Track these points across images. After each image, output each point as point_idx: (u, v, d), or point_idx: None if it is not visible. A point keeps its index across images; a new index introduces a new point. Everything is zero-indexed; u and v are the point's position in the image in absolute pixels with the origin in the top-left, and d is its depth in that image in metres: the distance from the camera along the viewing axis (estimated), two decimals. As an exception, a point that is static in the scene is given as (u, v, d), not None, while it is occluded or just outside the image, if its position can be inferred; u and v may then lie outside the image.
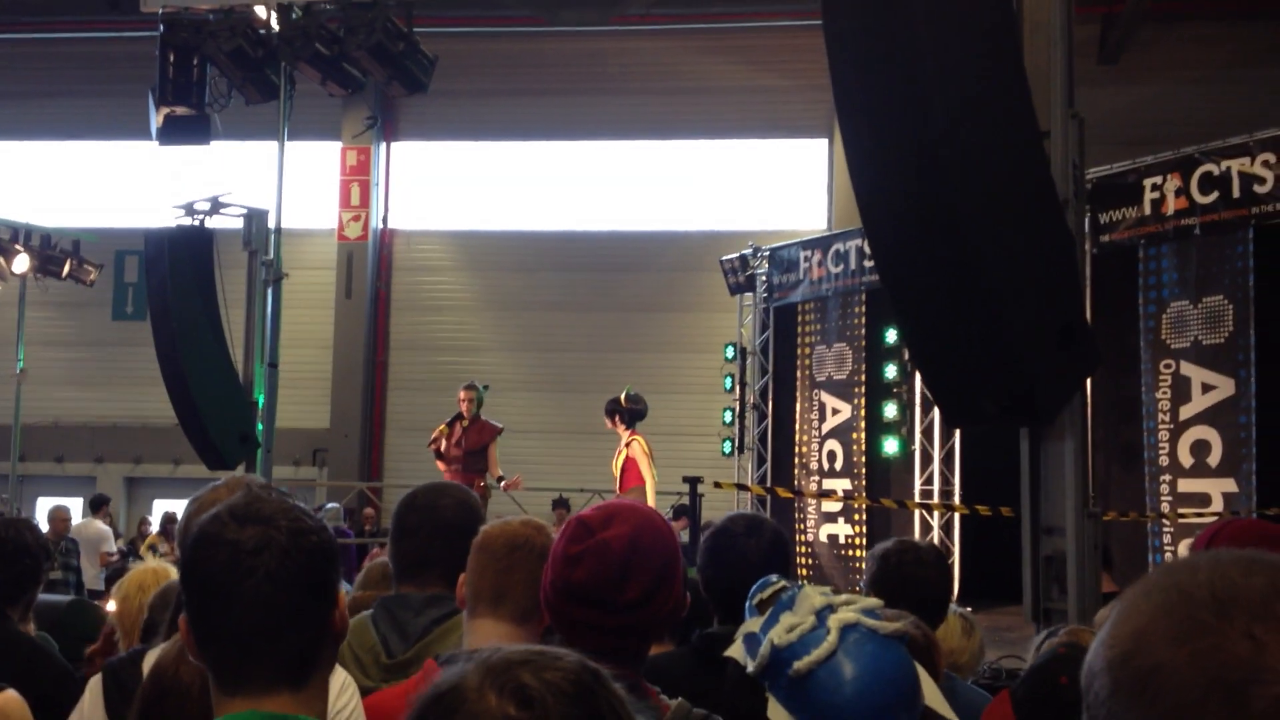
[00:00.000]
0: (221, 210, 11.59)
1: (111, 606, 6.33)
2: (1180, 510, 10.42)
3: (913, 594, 3.22)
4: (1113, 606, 3.07)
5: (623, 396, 10.69)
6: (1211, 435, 10.40)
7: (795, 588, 1.94)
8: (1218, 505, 10.20)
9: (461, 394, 11.03)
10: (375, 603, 2.96)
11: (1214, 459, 10.36)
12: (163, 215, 11.88)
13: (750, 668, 1.90)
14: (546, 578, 2.13)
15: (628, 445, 10.64)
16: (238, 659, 1.62)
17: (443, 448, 10.93)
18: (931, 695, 1.87)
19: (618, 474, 10.79)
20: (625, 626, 2.03)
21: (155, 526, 17.10)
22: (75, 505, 15.90)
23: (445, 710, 1.08)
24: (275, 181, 11.65)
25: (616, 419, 10.71)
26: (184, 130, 11.82)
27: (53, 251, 15.80)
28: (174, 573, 3.22)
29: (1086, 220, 7.51)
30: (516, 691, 1.07)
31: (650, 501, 10.33)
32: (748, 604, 2.01)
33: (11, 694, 1.97)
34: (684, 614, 2.16)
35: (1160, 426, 10.71)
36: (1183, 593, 0.95)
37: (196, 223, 11.59)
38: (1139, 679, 0.93)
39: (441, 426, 11.02)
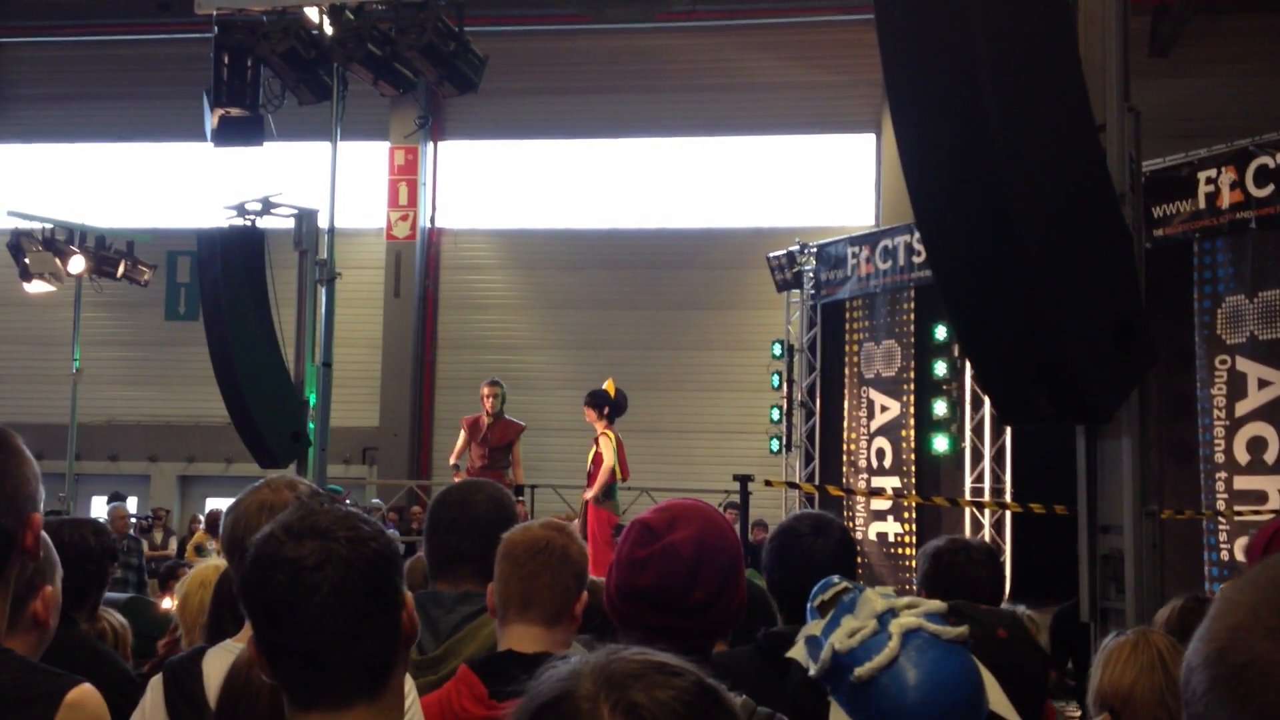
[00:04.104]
0: (272, 210, 11.68)
1: (168, 604, 6.41)
2: (1236, 508, 10.29)
3: (964, 592, 3.20)
4: (1172, 606, 3.02)
5: (610, 388, 10.58)
6: (1268, 431, 10.25)
7: (857, 590, 1.92)
8: (1274, 502, 10.06)
9: (484, 390, 11.05)
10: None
11: (1271, 455, 10.22)
12: (215, 216, 11.99)
13: (812, 671, 1.89)
14: (610, 581, 2.12)
15: (596, 440, 10.53)
16: (311, 675, 1.59)
17: (468, 454, 11.02)
18: (997, 700, 1.85)
19: (590, 467, 10.66)
20: (693, 628, 2.02)
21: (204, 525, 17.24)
22: (130, 504, 16.11)
23: (558, 718, 1.04)
24: (327, 182, 11.73)
25: (603, 410, 10.53)
26: (238, 131, 11.92)
27: (107, 252, 16.00)
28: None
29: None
30: (629, 709, 1.02)
31: (588, 497, 10.31)
32: (809, 605, 2.00)
33: (88, 687, 1.98)
34: (745, 613, 2.15)
35: (1216, 423, 10.57)
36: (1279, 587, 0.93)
37: (248, 223, 11.68)
38: (1234, 674, 0.91)
39: (461, 442, 11.09)
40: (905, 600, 1.85)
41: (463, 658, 2.59)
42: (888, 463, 14.00)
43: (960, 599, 3.00)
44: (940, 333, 13.26)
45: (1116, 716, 2.88)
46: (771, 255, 16.29)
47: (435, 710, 2.32)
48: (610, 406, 10.52)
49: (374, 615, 1.61)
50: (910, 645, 1.79)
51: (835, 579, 2.00)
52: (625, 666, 1.07)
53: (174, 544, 17.23)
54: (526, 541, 2.46)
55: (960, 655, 1.81)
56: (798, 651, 1.92)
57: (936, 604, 1.85)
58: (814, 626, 1.92)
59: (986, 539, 13.07)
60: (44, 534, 1.96)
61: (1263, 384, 10.32)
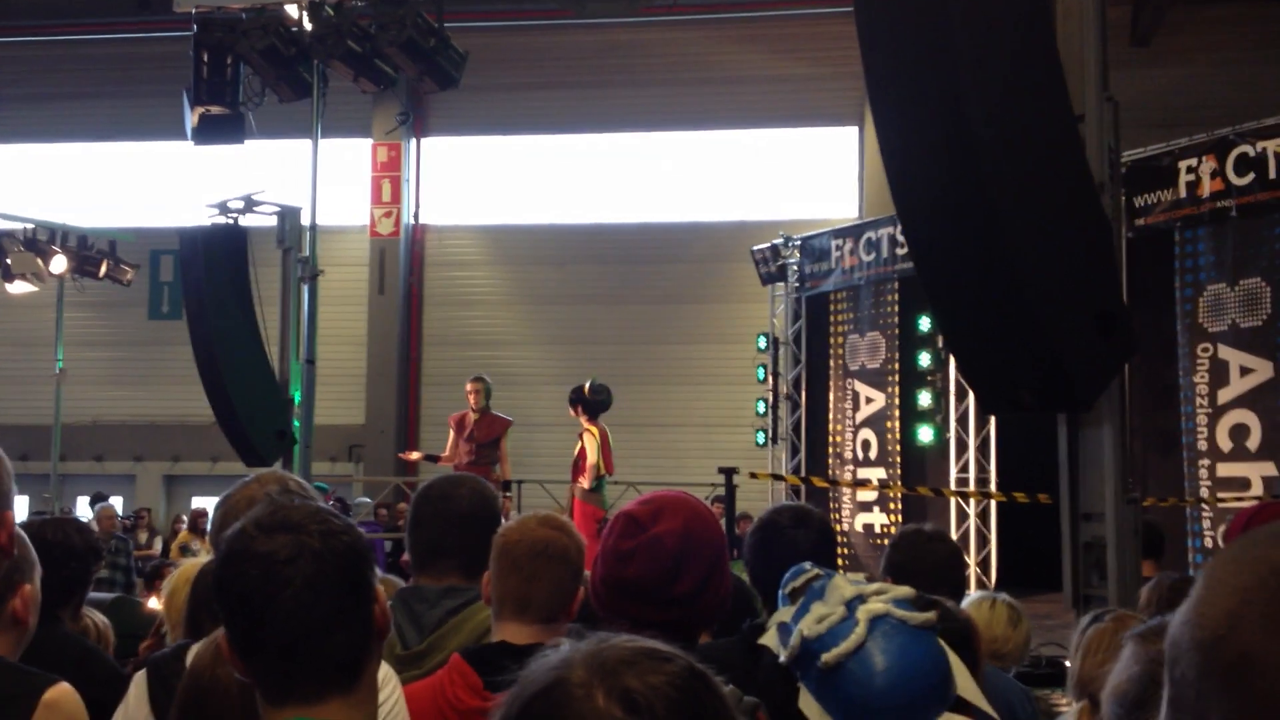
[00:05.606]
0: (255, 208, 11.66)
1: (154, 604, 6.39)
2: (1219, 495, 10.34)
3: (927, 569, 3.28)
4: (1153, 588, 3.03)
5: (586, 387, 10.57)
6: (1250, 419, 10.30)
7: (826, 576, 1.93)
8: (1257, 489, 10.11)
9: (469, 386, 11.05)
10: (393, 595, 2.95)
11: (1253, 443, 10.27)
12: (197, 214, 11.95)
13: (782, 657, 1.89)
14: (596, 573, 2.13)
15: (580, 436, 10.54)
16: (284, 670, 1.59)
17: (452, 453, 11.04)
18: (965, 685, 1.85)
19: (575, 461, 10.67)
20: (678, 619, 2.03)
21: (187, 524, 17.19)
22: (115, 504, 16.07)
23: (552, 706, 1.04)
24: (309, 179, 11.71)
25: (579, 409, 10.56)
26: (219, 129, 11.88)
27: (89, 252, 15.93)
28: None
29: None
30: (624, 695, 1.04)
31: (584, 484, 10.33)
32: (780, 592, 2.01)
33: (65, 687, 1.98)
34: (730, 604, 2.16)
35: (1199, 411, 10.62)
36: (1276, 571, 0.88)
37: (230, 221, 11.66)
38: (1232, 664, 0.87)
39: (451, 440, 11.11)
40: (874, 586, 1.86)
41: (448, 652, 2.58)
42: (873, 454, 14.04)
43: (924, 577, 3.04)
44: (924, 324, 13.29)
45: (1096, 704, 2.89)
46: (756, 248, 16.31)
47: (427, 699, 2.31)
48: (583, 403, 10.49)
49: (347, 608, 1.61)
50: (877, 631, 1.79)
51: (807, 566, 2.00)
52: (617, 653, 1.07)
53: (158, 543, 17.20)
54: (527, 543, 2.44)
55: (927, 641, 1.82)
56: (769, 638, 1.93)
57: (905, 590, 1.86)
58: (785, 613, 1.93)
59: (972, 529, 13.15)
60: (20, 532, 1.96)
61: (1245, 371, 10.37)
